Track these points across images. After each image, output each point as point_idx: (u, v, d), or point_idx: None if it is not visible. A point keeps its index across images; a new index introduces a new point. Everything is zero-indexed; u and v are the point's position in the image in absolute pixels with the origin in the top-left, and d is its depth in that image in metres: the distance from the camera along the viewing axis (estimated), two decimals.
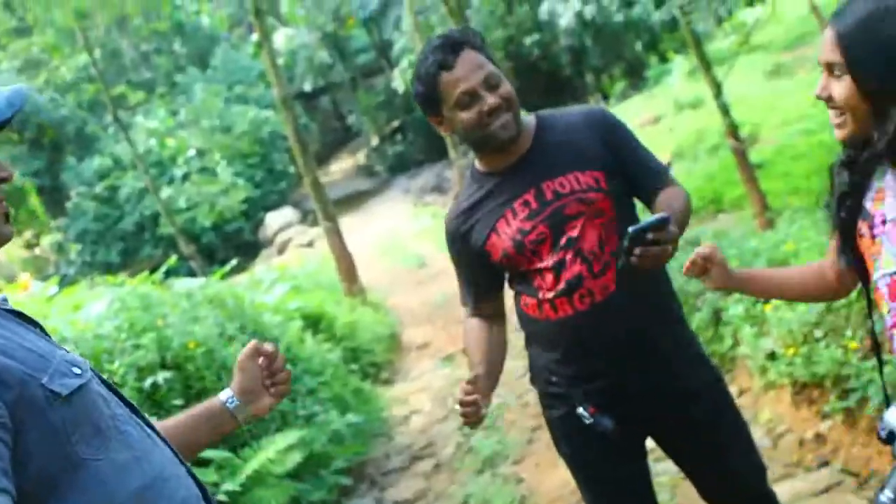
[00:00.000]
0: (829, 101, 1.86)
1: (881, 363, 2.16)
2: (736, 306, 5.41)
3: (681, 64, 20.61)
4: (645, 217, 2.24)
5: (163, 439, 1.63)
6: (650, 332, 2.50)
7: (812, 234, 5.66)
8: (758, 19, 13.21)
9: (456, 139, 14.05)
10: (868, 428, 4.21)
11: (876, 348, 2.15)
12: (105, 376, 1.62)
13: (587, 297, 2.43)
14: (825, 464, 4.25)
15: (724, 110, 8.08)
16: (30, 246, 27.36)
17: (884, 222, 1.87)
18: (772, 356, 4.95)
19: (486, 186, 2.57)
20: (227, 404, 1.89)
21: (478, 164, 2.61)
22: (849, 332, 4.42)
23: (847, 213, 1.97)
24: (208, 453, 4.71)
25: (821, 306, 4.63)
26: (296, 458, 5.18)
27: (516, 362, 7.84)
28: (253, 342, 1.93)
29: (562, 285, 2.44)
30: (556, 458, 5.42)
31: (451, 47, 2.42)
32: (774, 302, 5.07)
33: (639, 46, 24.81)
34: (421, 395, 8.06)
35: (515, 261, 2.51)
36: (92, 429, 1.45)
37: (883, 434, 1.93)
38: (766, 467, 2.73)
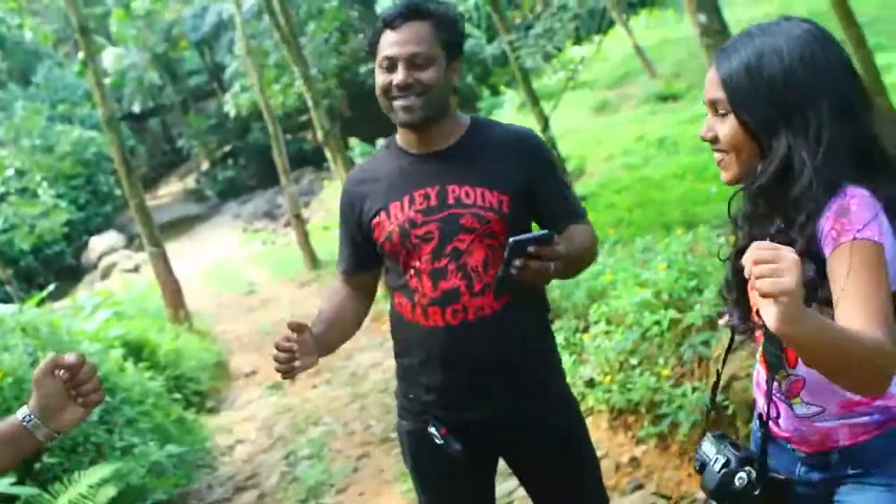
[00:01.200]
0: (713, 141, 1.86)
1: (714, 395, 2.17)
2: (556, 335, 5.54)
3: (512, 97, 21.18)
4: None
5: None
6: (518, 362, 2.46)
7: (629, 264, 5.88)
8: (584, 57, 13.71)
9: (287, 166, 13.96)
10: (679, 452, 4.39)
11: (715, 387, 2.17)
12: None
13: (460, 313, 2.38)
14: (639, 487, 4.38)
15: (552, 144, 8.33)
16: None
17: None
18: (590, 383, 5.09)
19: (396, 163, 2.50)
20: (25, 423, 1.76)
21: (398, 138, 2.54)
22: (661, 360, 4.61)
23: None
24: (14, 489, 4.48)
25: (636, 334, 4.81)
26: (110, 492, 4.96)
27: (344, 390, 7.87)
28: (51, 354, 1.77)
29: (437, 294, 2.39)
30: (380, 486, 5.43)
31: (407, 11, 2.35)
32: (592, 331, 5.23)
33: (471, 78, 25.33)
34: (246, 425, 7.91)
35: (396, 248, 2.44)
36: None
37: (697, 465, 1.97)
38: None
